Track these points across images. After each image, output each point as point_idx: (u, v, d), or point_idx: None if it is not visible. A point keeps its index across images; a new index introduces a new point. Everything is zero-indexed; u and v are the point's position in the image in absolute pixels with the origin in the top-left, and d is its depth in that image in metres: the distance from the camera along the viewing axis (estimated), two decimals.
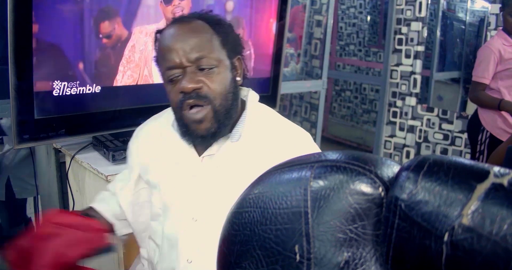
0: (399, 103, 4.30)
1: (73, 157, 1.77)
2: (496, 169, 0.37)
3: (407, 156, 4.33)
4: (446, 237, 0.35)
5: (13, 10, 1.50)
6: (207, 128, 1.14)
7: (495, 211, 0.34)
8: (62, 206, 2.06)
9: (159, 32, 1.21)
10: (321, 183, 0.44)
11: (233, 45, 1.21)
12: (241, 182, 1.09)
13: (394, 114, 4.35)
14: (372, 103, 6.01)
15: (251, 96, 1.29)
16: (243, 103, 1.27)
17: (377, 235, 0.41)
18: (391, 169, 0.44)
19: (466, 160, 0.40)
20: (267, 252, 0.45)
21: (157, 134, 1.31)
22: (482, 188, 0.35)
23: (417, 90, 4.19)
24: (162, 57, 1.16)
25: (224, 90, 1.15)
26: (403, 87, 4.24)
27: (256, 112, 1.25)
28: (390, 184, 0.42)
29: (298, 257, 0.42)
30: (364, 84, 6.06)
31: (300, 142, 1.25)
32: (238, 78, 1.22)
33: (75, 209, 1.87)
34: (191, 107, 1.13)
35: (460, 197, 0.36)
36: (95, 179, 1.75)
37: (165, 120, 1.30)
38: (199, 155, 1.23)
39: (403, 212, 0.38)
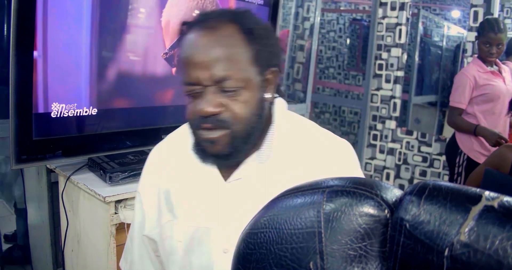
0: (379, 126, 4.38)
1: (68, 178, 1.79)
2: (487, 193, 0.42)
3: (387, 177, 4.39)
4: (446, 252, 0.40)
5: (15, 32, 1.53)
6: (219, 150, 0.99)
7: (488, 229, 0.39)
8: (52, 225, 2.07)
9: (185, 25, 1.02)
10: (332, 206, 0.48)
11: (268, 58, 1.01)
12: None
13: (375, 137, 4.42)
14: (351, 125, 6.09)
15: (278, 106, 1.11)
16: (271, 114, 1.10)
17: (383, 252, 0.46)
18: (393, 193, 0.49)
19: (460, 185, 0.46)
20: (283, 269, 0.48)
21: (177, 156, 1.14)
22: (476, 209, 0.41)
23: (397, 114, 4.27)
24: (181, 67, 0.98)
25: (248, 113, 0.98)
26: (383, 111, 4.32)
27: (285, 125, 1.09)
28: (394, 207, 0.47)
29: None
30: (343, 106, 6.14)
31: (338, 157, 1.08)
32: (267, 95, 1.03)
33: (69, 229, 1.89)
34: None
35: (458, 217, 0.41)
36: (90, 199, 1.77)
37: (184, 140, 1.11)
38: (225, 180, 1.07)
39: (407, 231, 0.43)
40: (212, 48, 0.95)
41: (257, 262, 0.51)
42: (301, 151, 1.06)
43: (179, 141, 1.16)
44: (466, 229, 0.40)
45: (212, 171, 1.08)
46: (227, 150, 0.99)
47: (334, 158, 1.07)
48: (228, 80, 0.95)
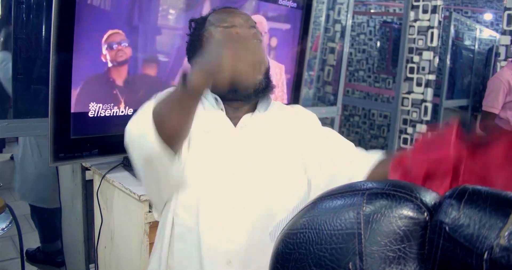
0: (409, 130, 4.33)
1: (103, 176, 1.83)
2: None
3: None
4: (485, 255, 0.41)
5: (56, 33, 1.57)
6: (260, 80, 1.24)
7: None
8: (85, 223, 2.11)
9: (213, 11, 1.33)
10: (372, 208, 0.49)
11: None
12: (270, 146, 1.30)
13: (405, 141, 4.38)
14: (380, 129, 6.03)
15: None
16: None
17: (421, 254, 0.46)
18: (432, 196, 0.50)
19: (499, 190, 0.46)
20: (322, 269, 0.49)
21: None
22: None
23: (428, 117, 4.23)
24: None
25: None
26: (414, 115, 4.28)
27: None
28: (433, 210, 0.48)
29: None
30: (373, 109, 6.09)
31: (302, 108, 1.44)
32: None
33: (102, 226, 1.93)
34: None
35: (497, 221, 0.42)
36: (125, 198, 1.80)
37: None
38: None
39: (447, 234, 0.44)
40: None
41: (296, 262, 0.52)
42: (280, 106, 1.40)
43: None
44: (506, 233, 0.41)
45: (221, 118, 1.29)
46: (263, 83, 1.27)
47: (302, 111, 1.42)
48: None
